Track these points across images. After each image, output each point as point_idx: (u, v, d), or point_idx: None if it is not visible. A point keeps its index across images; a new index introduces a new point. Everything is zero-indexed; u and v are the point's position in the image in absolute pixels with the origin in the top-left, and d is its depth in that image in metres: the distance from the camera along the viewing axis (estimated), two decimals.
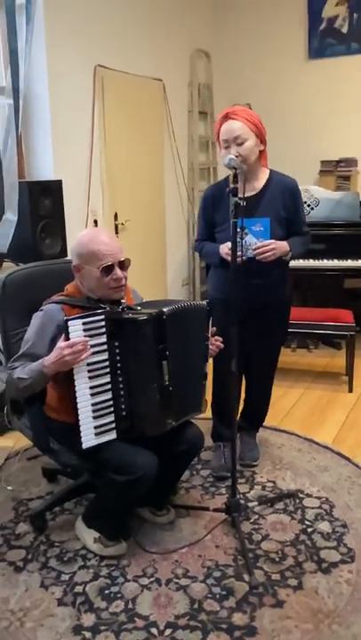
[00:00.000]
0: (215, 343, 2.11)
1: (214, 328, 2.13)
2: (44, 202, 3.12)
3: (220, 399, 2.59)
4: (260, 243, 2.27)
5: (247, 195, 2.31)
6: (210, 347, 2.09)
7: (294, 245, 2.40)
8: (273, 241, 2.28)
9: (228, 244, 2.29)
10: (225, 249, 2.32)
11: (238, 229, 2.08)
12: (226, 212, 2.38)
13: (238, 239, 2.10)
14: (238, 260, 2.24)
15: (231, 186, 2.01)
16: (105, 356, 1.88)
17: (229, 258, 2.20)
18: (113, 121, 3.91)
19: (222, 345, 2.12)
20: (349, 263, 3.89)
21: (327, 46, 4.69)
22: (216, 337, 2.12)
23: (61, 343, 1.80)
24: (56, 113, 3.42)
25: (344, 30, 4.61)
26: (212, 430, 2.74)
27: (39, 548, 2.13)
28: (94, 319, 1.85)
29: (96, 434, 1.86)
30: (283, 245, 2.33)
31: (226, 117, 2.29)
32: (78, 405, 1.82)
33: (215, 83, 5.14)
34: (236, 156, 2.21)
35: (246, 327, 2.23)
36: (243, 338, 2.16)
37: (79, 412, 1.82)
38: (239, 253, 2.19)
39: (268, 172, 2.42)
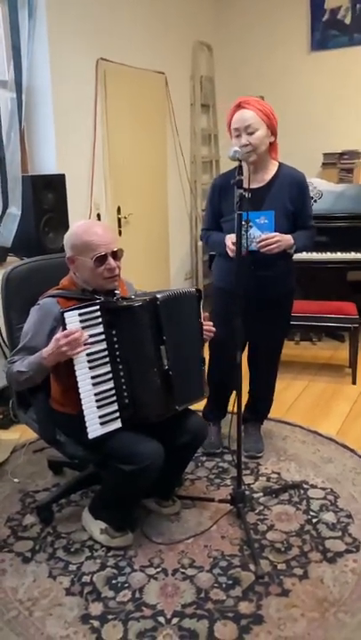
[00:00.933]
0: (208, 328, 2.13)
1: (206, 313, 2.15)
2: (47, 196, 3.13)
3: (216, 383, 2.60)
4: (264, 235, 2.28)
5: (255, 186, 2.32)
6: (204, 332, 2.12)
7: (299, 239, 2.40)
8: (277, 234, 2.28)
9: (233, 237, 2.30)
10: (230, 243, 2.33)
11: (243, 222, 2.10)
12: (232, 202, 2.39)
13: (243, 232, 2.11)
14: (242, 252, 2.26)
15: (237, 178, 2.01)
16: (103, 345, 1.90)
17: (232, 253, 2.25)
18: (115, 114, 3.90)
19: (214, 329, 2.14)
20: (352, 255, 3.89)
21: (330, 38, 4.67)
22: (207, 322, 2.14)
23: (59, 334, 1.83)
24: (59, 107, 3.42)
25: (347, 21, 4.58)
26: (203, 409, 2.77)
27: (46, 539, 2.15)
28: (90, 309, 1.88)
29: (101, 423, 1.87)
30: (287, 238, 2.33)
31: (239, 106, 2.31)
32: (81, 396, 1.84)
33: (217, 75, 5.12)
34: (247, 145, 2.24)
35: (250, 319, 2.24)
36: (247, 329, 2.17)
37: (82, 402, 1.84)
38: (243, 247, 2.21)
39: (277, 164, 2.42)
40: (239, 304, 2.09)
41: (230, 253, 2.32)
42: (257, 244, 2.29)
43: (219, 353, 2.51)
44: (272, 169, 2.41)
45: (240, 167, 2.05)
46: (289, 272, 2.54)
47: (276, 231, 2.29)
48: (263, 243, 2.27)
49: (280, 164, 2.44)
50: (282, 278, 2.47)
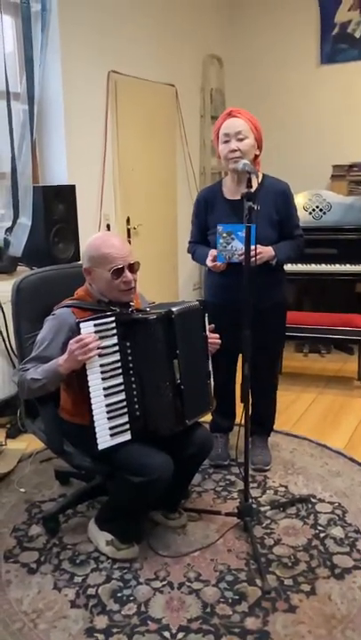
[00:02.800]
0: (213, 341, 2.14)
1: (212, 325, 2.16)
2: (57, 206, 3.16)
3: (219, 394, 2.59)
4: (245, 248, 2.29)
5: (240, 198, 2.34)
6: (209, 344, 2.13)
7: (282, 250, 2.44)
8: (258, 246, 2.29)
9: (213, 252, 2.41)
10: (209, 260, 2.41)
11: (225, 234, 2.21)
12: (218, 215, 2.44)
13: (225, 244, 2.15)
14: (220, 266, 2.37)
15: (245, 190, 2.02)
16: (117, 356, 1.90)
17: (214, 267, 2.38)
18: (126, 126, 3.93)
19: (219, 341, 2.15)
20: None
21: (339, 51, 4.69)
22: (213, 334, 2.15)
23: (72, 340, 1.84)
24: (70, 118, 3.46)
25: (357, 35, 4.61)
26: (210, 422, 2.77)
27: (52, 551, 2.14)
28: (105, 321, 1.89)
29: (111, 435, 1.87)
30: (267, 250, 2.38)
31: (229, 115, 2.38)
32: (93, 407, 1.84)
33: (227, 88, 5.16)
34: (235, 150, 2.30)
35: (241, 331, 2.24)
36: (239, 341, 2.15)
37: (94, 413, 1.84)
38: (225, 261, 2.36)
39: (260, 175, 2.45)
40: (248, 315, 2.09)
41: (210, 264, 2.41)
42: (239, 256, 2.33)
43: (215, 360, 2.51)
44: (255, 180, 2.43)
45: (249, 180, 2.05)
46: (277, 283, 2.55)
47: (261, 241, 2.30)
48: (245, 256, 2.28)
49: (263, 175, 2.47)
50: (268, 289, 2.47)
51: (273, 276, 2.50)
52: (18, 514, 2.37)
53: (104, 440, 1.86)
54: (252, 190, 2.04)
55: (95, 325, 1.86)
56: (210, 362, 2.14)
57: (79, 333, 1.84)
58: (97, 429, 1.85)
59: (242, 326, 2.10)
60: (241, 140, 2.32)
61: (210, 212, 2.50)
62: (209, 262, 2.42)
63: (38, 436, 2.19)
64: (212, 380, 2.14)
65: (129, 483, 1.89)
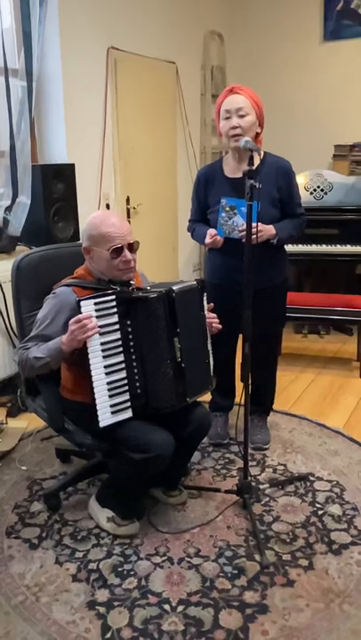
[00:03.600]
0: (213, 320, 2.14)
1: (211, 305, 2.16)
2: (56, 185, 3.13)
3: (218, 373, 2.60)
4: (245, 225, 2.28)
5: (241, 175, 2.32)
6: (208, 324, 2.13)
7: (283, 229, 2.42)
8: (259, 224, 2.28)
9: (212, 231, 2.38)
10: (208, 237, 2.39)
11: (228, 208, 2.17)
12: (218, 192, 2.42)
13: (227, 219, 2.12)
14: (218, 241, 2.36)
15: (247, 168, 2.00)
16: (118, 335, 1.91)
17: (212, 243, 2.36)
18: (126, 104, 3.89)
19: (218, 320, 2.15)
20: None
21: (343, 28, 4.61)
22: (211, 314, 2.15)
23: (71, 320, 1.85)
24: (69, 96, 3.41)
25: None
26: (210, 402, 2.79)
27: (53, 527, 2.17)
28: (106, 299, 1.89)
29: (112, 412, 1.89)
30: (268, 229, 2.36)
31: (231, 91, 2.35)
32: (94, 384, 1.85)
33: (228, 65, 5.08)
34: (236, 127, 2.28)
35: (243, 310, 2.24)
36: (240, 321, 2.16)
37: (95, 390, 1.85)
38: (224, 235, 2.33)
39: (262, 153, 2.42)
40: (249, 294, 2.08)
41: (208, 240, 2.38)
42: (239, 232, 2.31)
43: (214, 346, 2.51)
44: (257, 158, 2.41)
45: (251, 157, 2.03)
46: (278, 263, 2.54)
47: (263, 219, 2.29)
48: (245, 232, 2.27)
49: (265, 153, 2.44)
50: (269, 269, 2.47)
51: (274, 255, 2.49)
52: (19, 491, 2.40)
53: (105, 417, 1.87)
54: (254, 168, 2.02)
55: (95, 304, 1.86)
56: (209, 341, 2.15)
57: (80, 312, 1.84)
58: (98, 407, 1.86)
59: (243, 306, 2.10)
60: (242, 116, 2.30)
61: (210, 190, 2.48)
62: (208, 239, 2.40)
63: (39, 414, 2.20)
64: (211, 359, 2.15)
65: (130, 460, 1.91)
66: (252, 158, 2.03)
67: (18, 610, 1.79)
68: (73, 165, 3.24)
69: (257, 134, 2.39)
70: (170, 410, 1.96)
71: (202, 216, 2.55)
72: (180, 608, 1.78)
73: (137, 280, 2.12)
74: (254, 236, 2.26)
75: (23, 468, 2.57)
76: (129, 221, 4.04)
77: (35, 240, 3.04)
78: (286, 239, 2.47)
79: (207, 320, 2.13)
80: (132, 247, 1.99)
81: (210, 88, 4.85)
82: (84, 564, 1.98)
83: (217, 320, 2.16)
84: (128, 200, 4.03)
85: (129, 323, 1.91)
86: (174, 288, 1.94)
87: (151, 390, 1.94)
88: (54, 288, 2.03)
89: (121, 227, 1.97)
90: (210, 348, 2.15)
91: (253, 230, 2.23)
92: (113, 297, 1.90)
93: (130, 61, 3.88)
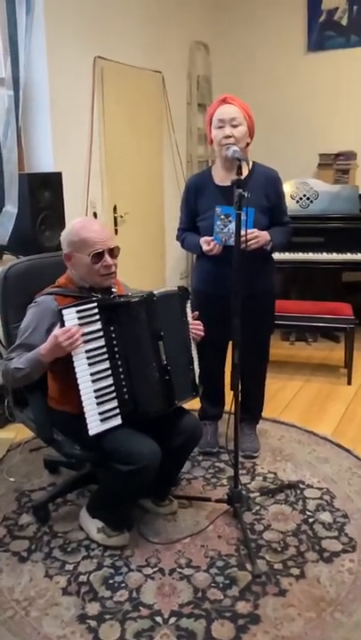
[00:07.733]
0: (196, 327, 2.14)
1: (196, 313, 2.16)
2: (43, 194, 3.11)
3: (208, 382, 2.60)
4: (242, 231, 2.29)
5: (230, 184, 2.34)
6: (192, 331, 2.13)
7: (276, 236, 2.45)
8: (255, 230, 2.30)
9: (207, 238, 2.38)
10: (205, 244, 2.39)
11: (223, 216, 2.19)
12: (208, 200, 2.44)
13: (222, 227, 2.13)
14: (216, 249, 2.35)
15: (235, 177, 2.02)
16: (102, 342, 1.91)
17: (210, 250, 2.35)
18: (112, 113, 3.89)
19: (202, 328, 2.15)
20: (348, 256, 3.90)
21: (327, 39, 4.69)
22: (195, 322, 2.15)
23: (57, 331, 1.84)
24: (56, 105, 3.41)
25: (344, 23, 4.60)
26: (199, 410, 2.79)
27: (42, 539, 2.14)
28: (88, 307, 1.89)
29: (101, 420, 1.88)
30: (264, 235, 2.38)
31: (224, 101, 2.38)
32: (81, 393, 1.85)
33: (214, 75, 5.12)
34: (229, 136, 2.30)
35: (231, 318, 2.24)
36: (229, 328, 2.16)
37: (83, 399, 1.85)
38: (221, 243, 2.33)
39: (250, 162, 2.44)
40: (237, 302, 2.09)
41: (206, 247, 2.37)
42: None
43: (203, 354, 2.51)
44: (246, 167, 2.43)
45: (240, 167, 2.05)
46: (267, 271, 2.56)
47: (255, 227, 2.31)
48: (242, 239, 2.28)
49: (253, 163, 2.47)
50: (259, 276, 2.48)
51: (264, 263, 2.51)
52: (7, 503, 2.37)
53: (95, 425, 1.86)
54: (242, 177, 2.03)
55: (78, 312, 1.87)
56: (193, 349, 2.14)
57: (62, 320, 1.84)
58: (87, 415, 1.85)
59: (231, 314, 2.10)
60: (235, 126, 2.32)
61: (200, 198, 2.49)
62: (205, 247, 2.39)
63: (28, 425, 2.17)
64: (196, 366, 2.14)
65: (118, 471, 1.89)
66: (239, 167, 2.04)
67: (7, 625, 1.76)
68: (60, 174, 3.23)
69: (247, 144, 2.41)
70: (158, 414, 1.96)
71: (191, 224, 2.56)
72: (173, 620, 1.77)
73: (119, 288, 2.13)
74: (252, 242, 2.28)
75: (11, 479, 2.53)
76: (116, 230, 4.04)
77: (22, 249, 3.02)
78: (279, 246, 2.50)
79: (190, 326, 2.13)
80: (113, 252, 2.00)
81: (196, 97, 4.88)
82: (74, 576, 1.95)
83: (201, 327, 2.15)
84: (115, 209, 4.03)
85: (112, 329, 1.92)
86: (155, 292, 1.97)
87: (139, 395, 1.94)
88: (36, 297, 2.02)
89: (101, 232, 1.98)
90: (194, 355, 2.15)
91: (250, 236, 2.26)
92: (95, 304, 1.91)
93: (116, 70, 3.89)
